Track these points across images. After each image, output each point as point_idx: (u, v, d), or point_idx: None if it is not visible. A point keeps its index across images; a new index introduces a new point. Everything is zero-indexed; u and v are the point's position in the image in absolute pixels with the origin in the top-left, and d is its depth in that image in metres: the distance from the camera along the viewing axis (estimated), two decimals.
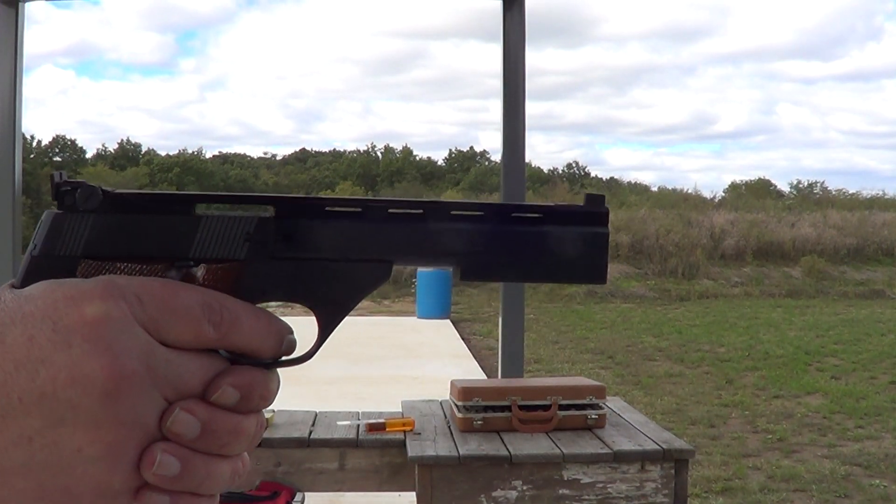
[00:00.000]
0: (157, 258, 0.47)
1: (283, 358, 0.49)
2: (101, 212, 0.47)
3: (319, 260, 0.50)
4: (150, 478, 0.43)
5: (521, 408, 2.93)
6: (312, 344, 0.51)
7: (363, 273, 0.50)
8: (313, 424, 3.07)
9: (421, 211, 0.51)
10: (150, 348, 0.43)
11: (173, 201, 0.48)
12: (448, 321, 14.44)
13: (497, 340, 4.06)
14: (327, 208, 0.50)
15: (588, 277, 0.52)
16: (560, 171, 40.53)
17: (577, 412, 2.96)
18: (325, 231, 0.50)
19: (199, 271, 0.48)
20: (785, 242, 22.42)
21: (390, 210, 0.51)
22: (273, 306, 0.54)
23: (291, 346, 0.48)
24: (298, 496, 2.90)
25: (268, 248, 0.49)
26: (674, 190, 31.42)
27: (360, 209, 0.50)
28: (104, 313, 0.42)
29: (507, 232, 0.51)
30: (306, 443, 2.93)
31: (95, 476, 0.42)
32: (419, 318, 14.52)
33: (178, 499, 0.45)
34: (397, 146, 45.84)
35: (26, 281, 0.45)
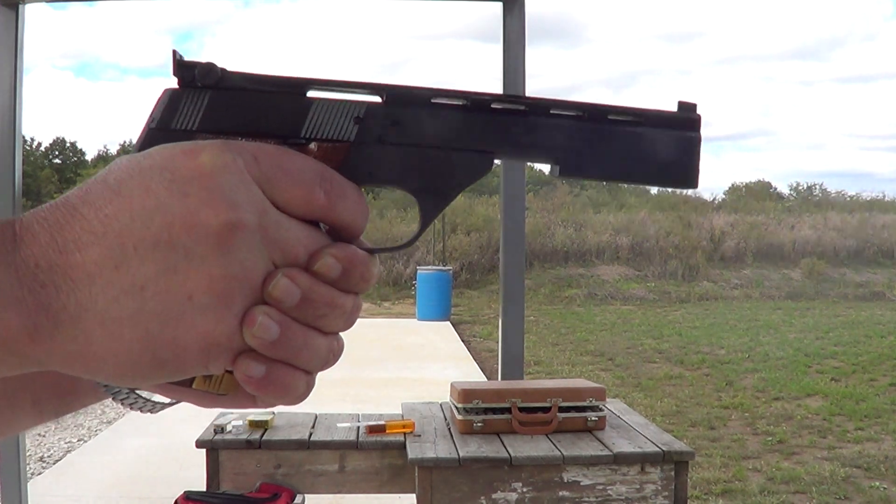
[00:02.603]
0: (270, 135, 0.49)
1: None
2: (219, 88, 0.49)
3: (424, 147, 0.51)
4: (250, 339, 0.44)
5: (521, 410, 2.93)
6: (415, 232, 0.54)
7: (466, 163, 0.52)
8: (313, 426, 3.06)
9: (523, 107, 0.52)
10: (264, 206, 0.44)
11: (288, 84, 0.50)
12: (448, 323, 14.43)
13: (497, 342, 4.06)
14: (433, 100, 0.52)
15: (679, 181, 0.55)
16: None
17: (577, 414, 2.96)
18: (431, 120, 0.51)
19: (311, 149, 0.50)
20: (785, 244, 22.44)
21: (493, 104, 0.52)
22: None
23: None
24: (298, 498, 2.89)
25: (376, 132, 0.51)
26: (673, 192, 31.39)
27: (465, 102, 0.52)
28: (222, 163, 0.43)
29: (603, 131, 0.53)
30: (306, 445, 2.93)
31: (202, 327, 0.43)
32: (419, 319, 14.52)
33: (273, 369, 0.45)
34: None
35: (142, 150, 0.46)
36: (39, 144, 36.93)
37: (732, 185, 36.59)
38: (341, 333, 0.49)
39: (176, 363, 0.43)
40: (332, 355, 0.48)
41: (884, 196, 29.97)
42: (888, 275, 21.60)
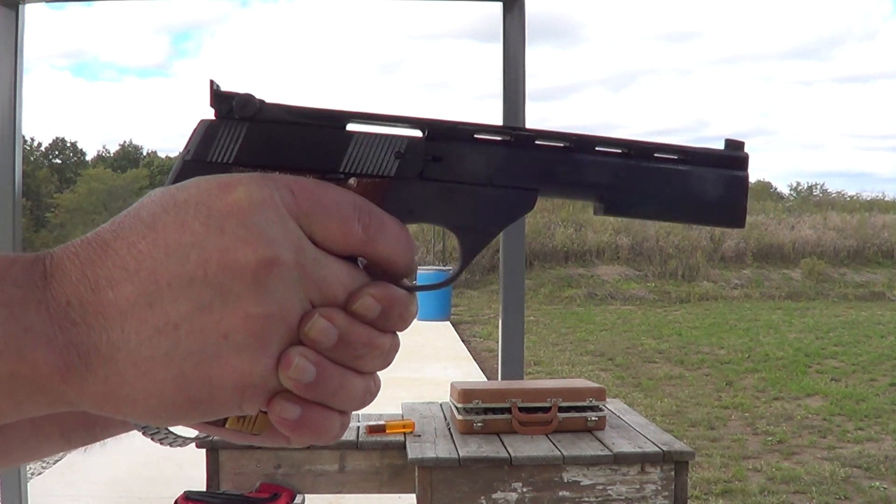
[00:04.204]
0: (308, 169, 0.48)
1: (425, 283, 0.51)
2: (256, 121, 0.48)
3: (467, 183, 0.50)
4: (286, 380, 0.43)
5: (521, 410, 2.93)
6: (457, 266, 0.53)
7: (509, 199, 0.51)
8: None
9: (567, 144, 0.52)
10: (301, 243, 0.43)
11: (327, 117, 0.49)
12: (448, 323, 14.44)
13: (497, 342, 4.06)
14: (476, 135, 0.51)
15: (726, 221, 0.53)
16: None
17: (577, 414, 2.96)
18: (474, 156, 0.50)
19: (350, 184, 0.49)
20: (785, 244, 22.43)
21: (537, 141, 0.51)
22: None
23: (415, 268, 0.49)
24: (298, 498, 2.89)
25: (417, 167, 0.50)
26: None
27: (508, 137, 0.51)
28: (259, 198, 0.42)
29: (649, 169, 0.52)
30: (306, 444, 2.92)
31: (238, 367, 0.42)
32: (419, 320, 14.46)
33: (308, 410, 0.44)
34: None
35: (176, 183, 0.45)
36: (39, 144, 36.94)
37: None
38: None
39: (209, 404, 0.42)
40: (369, 395, 0.47)
41: (884, 196, 30.04)
42: (888, 275, 21.59)
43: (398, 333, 0.47)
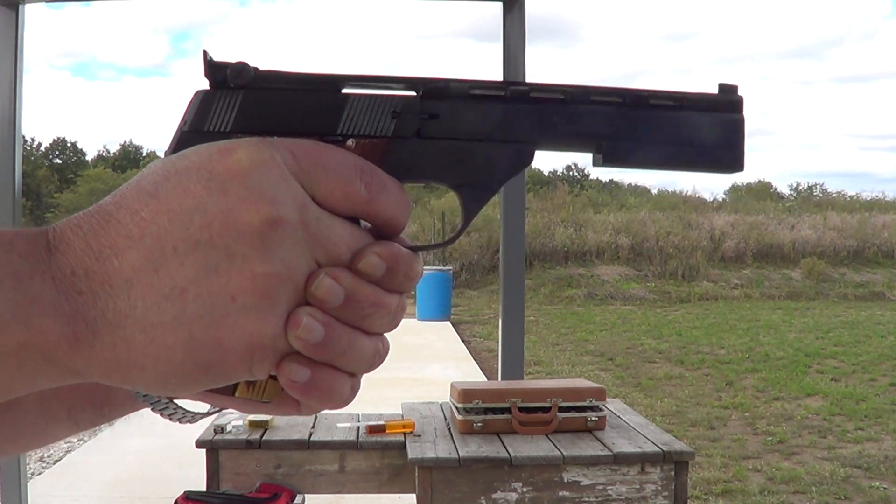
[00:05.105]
0: (306, 133, 0.48)
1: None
2: (252, 88, 0.48)
3: (464, 140, 0.50)
4: (294, 341, 0.43)
5: (521, 410, 2.93)
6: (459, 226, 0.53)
7: (507, 154, 0.51)
8: (313, 426, 3.07)
9: (562, 95, 0.51)
10: (304, 202, 0.43)
11: (322, 81, 0.49)
12: (448, 323, 14.42)
13: (497, 342, 4.06)
14: (472, 91, 0.51)
15: (725, 165, 0.53)
16: (560, 173, 40.59)
17: (577, 414, 2.96)
18: (470, 113, 0.50)
19: (348, 146, 0.49)
20: (785, 244, 22.43)
21: (533, 94, 0.51)
22: None
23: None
24: (298, 498, 2.89)
25: (414, 126, 0.50)
26: (673, 192, 31.39)
27: (503, 92, 0.51)
28: (260, 159, 0.42)
29: (645, 117, 0.52)
30: (306, 445, 2.93)
31: (247, 328, 0.42)
32: (419, 320, 14.50)
33: (318, 372, 0.44)
34: None
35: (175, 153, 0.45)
36: (39, 145, 36.95)
37: (732, 185, 36.65)
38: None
39: (220, 368, 0.42)
40: (378, 357, 0.47)
41: (884, 196, 30.06)
42: (888, 275, 21.59)
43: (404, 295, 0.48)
